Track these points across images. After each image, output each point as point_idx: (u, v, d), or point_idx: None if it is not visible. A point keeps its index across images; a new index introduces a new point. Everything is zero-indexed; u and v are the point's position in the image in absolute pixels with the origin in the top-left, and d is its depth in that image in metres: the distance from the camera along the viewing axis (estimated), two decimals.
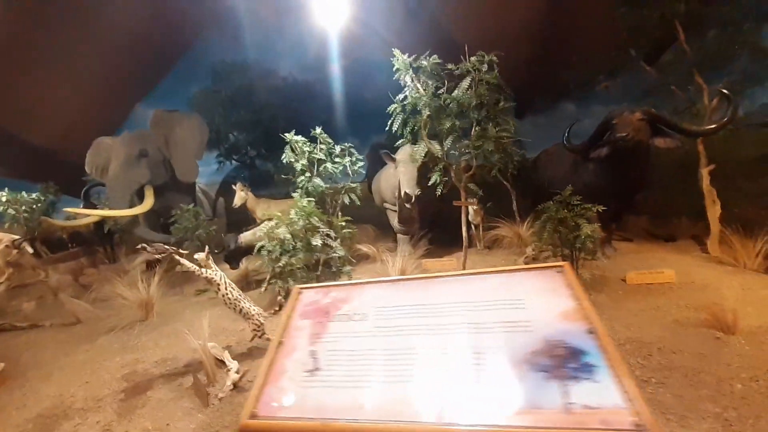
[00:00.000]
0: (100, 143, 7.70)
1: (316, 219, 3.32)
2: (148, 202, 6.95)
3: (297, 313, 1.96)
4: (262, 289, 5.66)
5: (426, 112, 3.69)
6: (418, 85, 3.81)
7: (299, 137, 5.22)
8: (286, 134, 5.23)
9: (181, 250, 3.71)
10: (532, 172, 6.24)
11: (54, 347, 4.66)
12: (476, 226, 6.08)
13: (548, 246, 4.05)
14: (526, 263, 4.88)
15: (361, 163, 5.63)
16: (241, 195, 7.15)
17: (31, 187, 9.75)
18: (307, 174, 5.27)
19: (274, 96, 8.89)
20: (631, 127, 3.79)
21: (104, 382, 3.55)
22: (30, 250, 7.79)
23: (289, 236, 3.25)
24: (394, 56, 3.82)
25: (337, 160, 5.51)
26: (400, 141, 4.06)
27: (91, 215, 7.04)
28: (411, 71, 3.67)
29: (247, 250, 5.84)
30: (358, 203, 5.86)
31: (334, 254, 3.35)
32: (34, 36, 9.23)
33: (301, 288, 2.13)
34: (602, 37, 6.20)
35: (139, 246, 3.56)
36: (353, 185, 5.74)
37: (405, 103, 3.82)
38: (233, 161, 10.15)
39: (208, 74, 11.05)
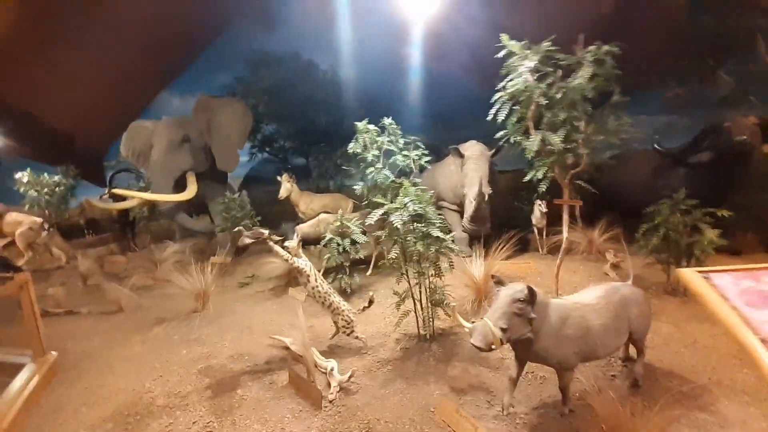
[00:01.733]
0: (138, 127, 7.35)
1: (431, 208, 3.05)
2: (192, 188, 6.61)
3: (739, 302, 1.54)
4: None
5: (542, 101, 3.45)
6: (528, 76, 3.58)
7: (372, 126, 4.95)
8: (358, 123, 4.97)
9: (274, 236, 3.40)
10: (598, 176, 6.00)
11: (101, 336, 4.28)
12: (540, 230, 5.83)
13: (651, 253, 3.81)
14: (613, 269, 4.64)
15: (427, 158, 5.36)
16: (286, 186, 6.84)
17: (50, 169, 9.34)
18: (378, 165, 5.00)
19: (315, 89, 8.62)
20: (749, 131, 3.61)
21: (180, 377, 3.20)
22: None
23: (399, 224, 2.96)
24: (502, 41, 3.61)
25: (404, 153, 5.24)
26: (501, 132, 3.81)
27: (136, 197, 6.65)
28: (527, 58, 3.44)
29: (305, 242, 5.52)
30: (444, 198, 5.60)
31: (447, 246, 3.08)
32: (58, 17, 8.86)
33: (702, 272, 1.67)
34: (671, 45, 6.06)
35: (236, 229, 3.25)
36: (417, 180, 5.47)
37: (514, 90, 3.58)
38: (266, 153, 9.83)
39: (239, 63, 10.77)
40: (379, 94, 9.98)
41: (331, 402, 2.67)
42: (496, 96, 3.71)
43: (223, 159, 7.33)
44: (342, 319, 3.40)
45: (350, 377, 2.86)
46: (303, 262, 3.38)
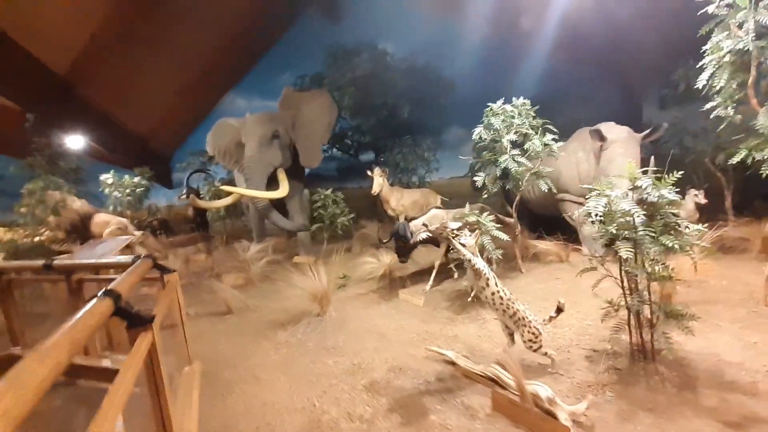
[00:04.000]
0: (224, 125, 7.19)
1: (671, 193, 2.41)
2: (285, 184, 6.32)
3: None
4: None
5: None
6: (740, 33, 2.85)
7: (508, 106, 4.36)
8: (491, 104, 4.40)
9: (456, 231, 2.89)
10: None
11: (226, 341, 3.97)
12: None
13: None
14: None
15: (559, 143, 4.69)
16: (379, 181, 6.41)
17: (124, 172, 9.51)
18: (515, 152, 4.40)
19: (397, 80, 8.14)
20: None
21: (349, 394, 2.75)
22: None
23: (638, 217, 2.34)
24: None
25: (536, 138, 4.59)
26: (711, 104, 3.10)
27: (237, 194, 6.46)
28: (756, 11, 2.72)
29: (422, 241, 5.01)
30: (554, 190, 4.94)
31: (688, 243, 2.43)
32: (133, 21, 8.92)
33: None
34: None
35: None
36: (549, 169, 4.82)
37: (730, 50, 2.87)
38: (336, 150, 9.52)
39: (306, 60, 10.57)
40: (461, 83, 9.39)
41: None
42: (708, 59, 3.00)
43: (308, 154, 7.00)
44: (528, 332, 2.81)
45: (587, 407, 2.27)
46: (482, 264, 2.85)
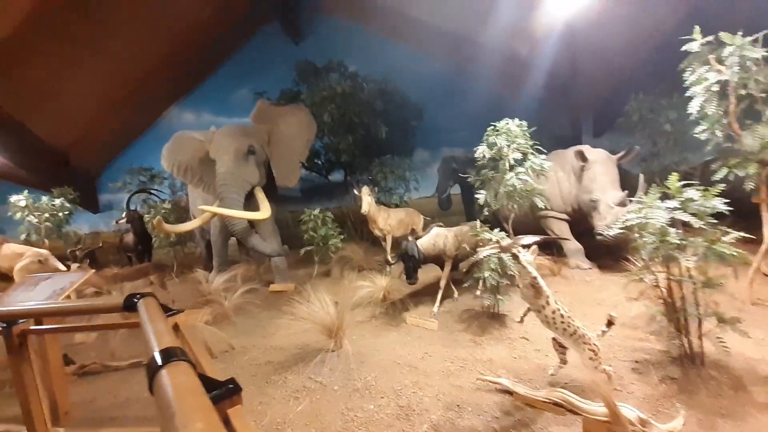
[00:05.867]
0: (185, 137, 6.33)
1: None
2: (267, 205, 5.67)
3: None
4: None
5: (755, 94, 3.20)
6: (720, 67, 3.34)
7: (512, 126, 4.49)
8: (496, 123, 4.50)
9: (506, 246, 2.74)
10: None
11: None
12: None
13: None
14: None
15: (549, 164, 4.97)
16: (368, 200, 6.11)
17: (40, 193, 7.84)
18: (519, 169, 4.51)
19: (369, 101, 8.08)
20: None
21: None
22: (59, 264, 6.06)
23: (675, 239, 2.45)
24: (694, 35, 3.40)
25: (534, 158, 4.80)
26: (700, 128, 3.51)
27: (207, 215, 5.53)
28: (742, 50, 3.20)
29: (425, 260, 4.79)
30: (549, 207, 5.16)
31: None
32: (60, 19, 7.67)
33: None
34: None
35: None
36: (542, 187, 5.05)
37: (718, 81, 3.32)
38: (304, 170, 8.99)
39: (267, 76, 10.09)
40: (428, 105, 9.67)
41: None
42: (696, 88, 3.43)
43: (284, 173, 6.46)
44: (589, 349, 2.75)
45: (683, 424, 2.21)
46: (542, 282, 2.74)
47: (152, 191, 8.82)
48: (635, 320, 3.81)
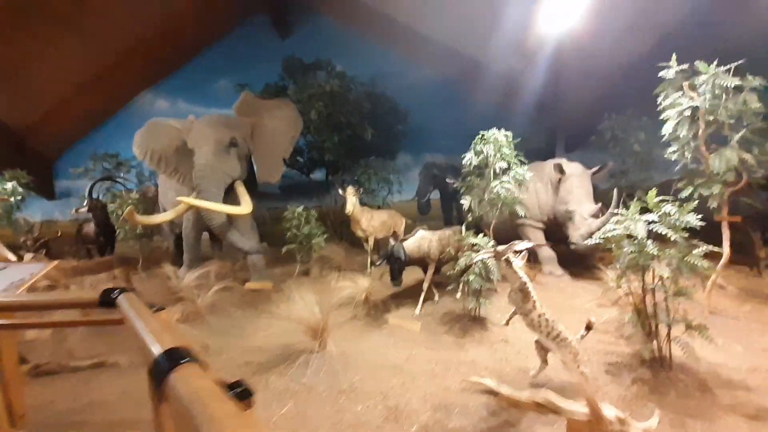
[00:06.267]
0: (160, 124, 6.00)
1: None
2: (248, 200, 5.46)
3: None
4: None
5: (724, 120, 3.51)
6: (692, 94, 3.66)
7: (499, 135, 4.63)
8: (485, 132, 4.62)
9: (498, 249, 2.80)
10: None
11: None
12: None
13: None
14: None
15: (530, 174, 5.17)
16: (352, 201, 6.07)
17: None
18: (504, 178, 4.65)
19: (357, 102, 8.05)
20: None
21: None
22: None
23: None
24: (670, 64, 3.69)
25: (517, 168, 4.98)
26: (671, 149, 3.81)
27: (183, 207, 5.23)
28: (718, 76, 3.49)
29: (409, 263, 4.81)
30: (528, 215, 5.36)
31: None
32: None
33: None
34: None
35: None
36: (523, 196, 5.25)
37: (691, 106, 3.62)
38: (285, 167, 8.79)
39: (249, 69, 9.83)
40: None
41: None
42: (670, 112, 3.71)
43: (267, 168, 6.28)
44: (569, 352, 2.87)
45: (658, 422, 2.35)
46: (531, 287, 2.84)
47: (117, 179, 8.26)
48: (606, 325, 4.03)
